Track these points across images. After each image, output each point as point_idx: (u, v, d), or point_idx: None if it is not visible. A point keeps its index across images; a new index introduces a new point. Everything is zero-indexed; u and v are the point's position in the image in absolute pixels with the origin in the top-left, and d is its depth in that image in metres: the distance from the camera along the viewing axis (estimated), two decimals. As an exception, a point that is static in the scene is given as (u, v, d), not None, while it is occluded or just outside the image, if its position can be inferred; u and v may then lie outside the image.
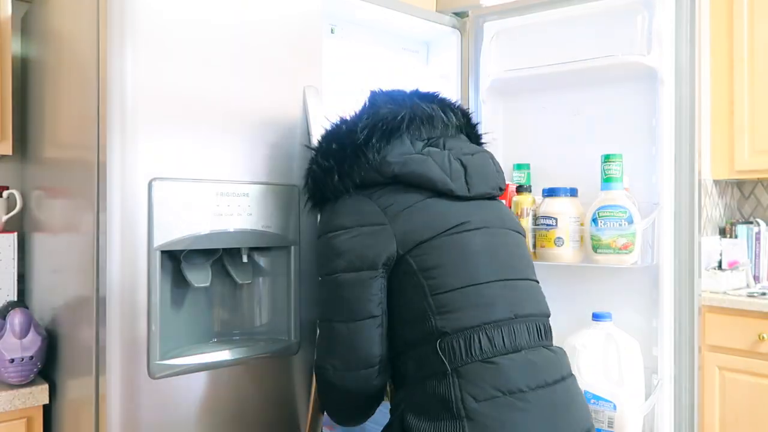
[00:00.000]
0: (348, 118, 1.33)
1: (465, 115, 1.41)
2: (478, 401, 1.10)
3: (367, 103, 1.36)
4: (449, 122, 1.35)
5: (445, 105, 1.37)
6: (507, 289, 1.22)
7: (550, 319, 1.28)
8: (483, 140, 1.46)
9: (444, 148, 1.30)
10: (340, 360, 1.22)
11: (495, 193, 1.33)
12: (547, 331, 1.25)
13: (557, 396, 1.16)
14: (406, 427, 1.15)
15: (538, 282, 1.30)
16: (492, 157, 1.37)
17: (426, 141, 1.30)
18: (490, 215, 1.28)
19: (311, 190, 1.32)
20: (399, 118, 1.28)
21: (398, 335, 1.22)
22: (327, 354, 1.24)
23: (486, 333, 1.15)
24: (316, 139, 1.37)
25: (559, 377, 1.19)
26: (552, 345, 1.25)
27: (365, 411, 1.31)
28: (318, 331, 1.29)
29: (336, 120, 1.33)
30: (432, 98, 1.37)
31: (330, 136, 1.31)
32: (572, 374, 1.24)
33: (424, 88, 1.40)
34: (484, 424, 1.09)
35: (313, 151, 1.33)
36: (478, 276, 1.20)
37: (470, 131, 1.42)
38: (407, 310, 1.20)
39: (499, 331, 1.16)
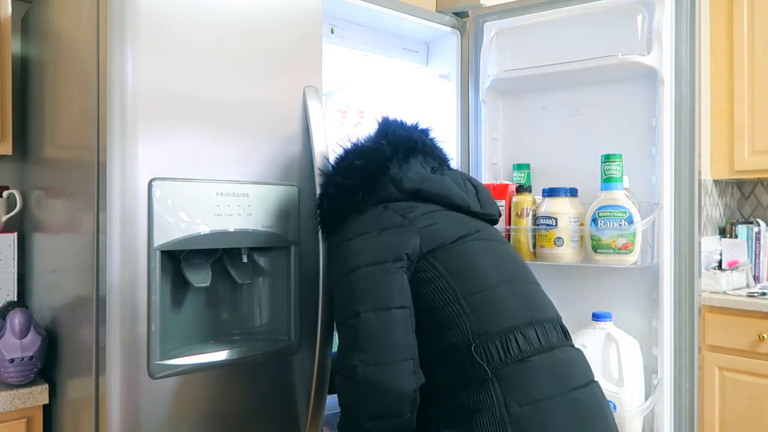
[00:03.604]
0: (360, 141, 1.37)
1: (443, 157, 1.46)
2: (521, 406, 1.06)
3: (381, 126, 1.39)
4: (440, 158, 1.43)
5: (434, 143, 1.44)
6: (530, 290, 1.24)
7: None
8: None
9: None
10: (372, 353, 1.10)
11: (497, 217, 1.42)
12: (568, 333, 1.24)
13: (589, 401, 1.14)
14: None
15: None
16: None
17: (431, 169, 1.37)
18: (493, 231, 1.34)
19: (328, 213, 1.31)
20: (414, 139, 1.36)
21: (427, 348, 1.15)
22: (354, 351, 1.12)
23: (521, 331, 1.13)
24: (318, 145, 1.39)
25: (587, 381, 1.17)
26: (574, 345, 1.24)
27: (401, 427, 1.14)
28: (338, 338, 1.20)
29: (347, 144, 1.37)
30: (427, 133, 1.44)
31: (351, 154, 1.33)
32: (596, 380, 1.21)
33: (424, 123, 1.45)
34: (529, 428, 1.05)
35: (324, 177, 1.35)
36: (507, 276, 1.21)
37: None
38: (436, 318, 1.16)
39: (533, 329, 1.15)
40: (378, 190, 1.30)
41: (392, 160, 1.32)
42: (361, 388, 1.10)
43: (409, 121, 1.43)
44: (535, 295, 1.23)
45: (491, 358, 1.10)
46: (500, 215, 1.45)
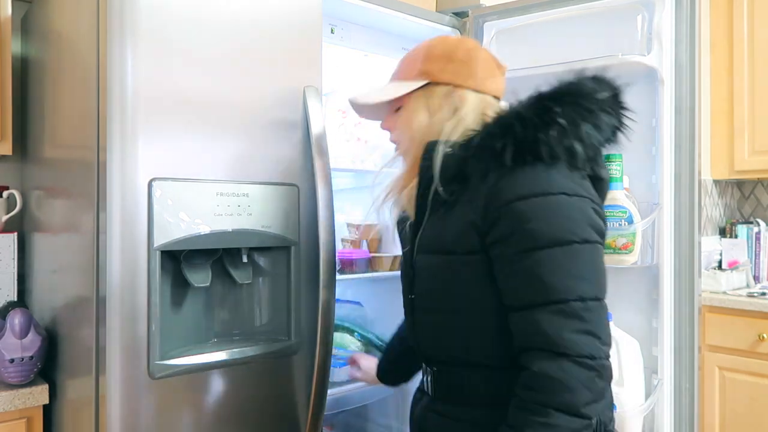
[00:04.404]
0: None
1: None
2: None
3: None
4: None
5: None
6: None
7: None
8: None
9: None
10: (607, 345, 1.00)
11: None
12: None
13: None
14: None
15: None
16: None
17: None
18: None
19: (519, 140, 1.08)
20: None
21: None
22: (600, 339, 0.98)
23: None
24: (318, 145, 1.36)
25: None
26: None
27: None
28: (562, 318, 0.97)
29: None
30: None
31: (560, 88, 1.14)
32: None
33: None
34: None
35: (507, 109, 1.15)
36: None
37: None
38: None
39: None
40: (591, 137, 1.11)
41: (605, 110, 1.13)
42: (602, 378, 0.99)
43: None
44: None
45: None
46: None
